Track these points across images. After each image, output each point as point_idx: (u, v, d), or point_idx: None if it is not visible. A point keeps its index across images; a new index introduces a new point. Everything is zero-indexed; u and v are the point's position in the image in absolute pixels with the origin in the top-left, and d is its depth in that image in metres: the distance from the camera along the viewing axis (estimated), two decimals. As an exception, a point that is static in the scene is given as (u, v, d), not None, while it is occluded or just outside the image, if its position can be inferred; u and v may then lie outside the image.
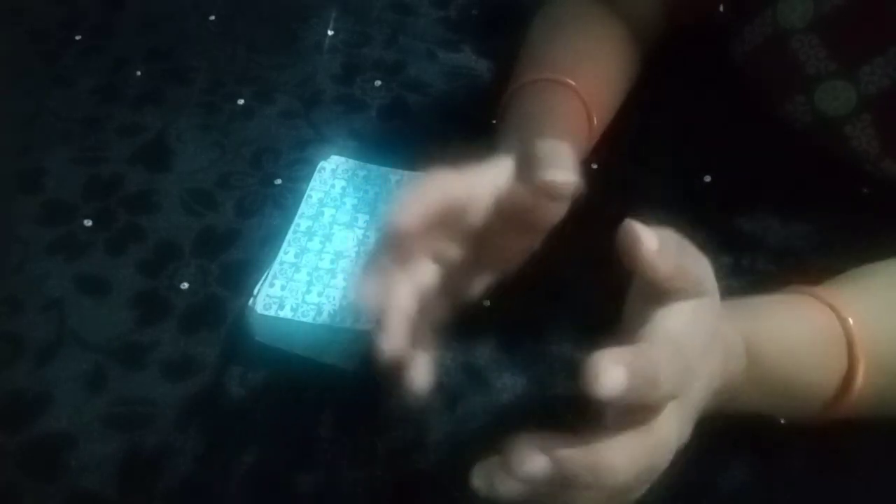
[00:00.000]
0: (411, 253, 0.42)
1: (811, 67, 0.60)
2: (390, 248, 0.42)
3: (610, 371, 0.34)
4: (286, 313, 0.51)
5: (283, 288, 0.52)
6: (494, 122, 0.63)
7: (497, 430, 0.44)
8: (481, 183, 0.44)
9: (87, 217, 0.61)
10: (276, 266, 0.54)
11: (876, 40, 0.57)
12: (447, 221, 0.43)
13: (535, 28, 0.67)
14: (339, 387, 0.52)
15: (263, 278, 0.53)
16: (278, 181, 0.63)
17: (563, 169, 0.42)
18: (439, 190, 0.43)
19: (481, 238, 0.45)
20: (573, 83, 0.60)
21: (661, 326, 0.39)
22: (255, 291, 0.52)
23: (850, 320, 0.45)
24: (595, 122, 0.61)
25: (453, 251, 0.45)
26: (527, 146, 0.45)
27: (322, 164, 0.60)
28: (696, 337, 0.39)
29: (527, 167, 0.44)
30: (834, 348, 0.46)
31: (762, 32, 0.62)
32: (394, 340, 0.40)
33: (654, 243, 0.38)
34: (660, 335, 0.38)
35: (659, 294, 0.39)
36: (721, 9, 0.68)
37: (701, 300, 0.41)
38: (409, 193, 0.42)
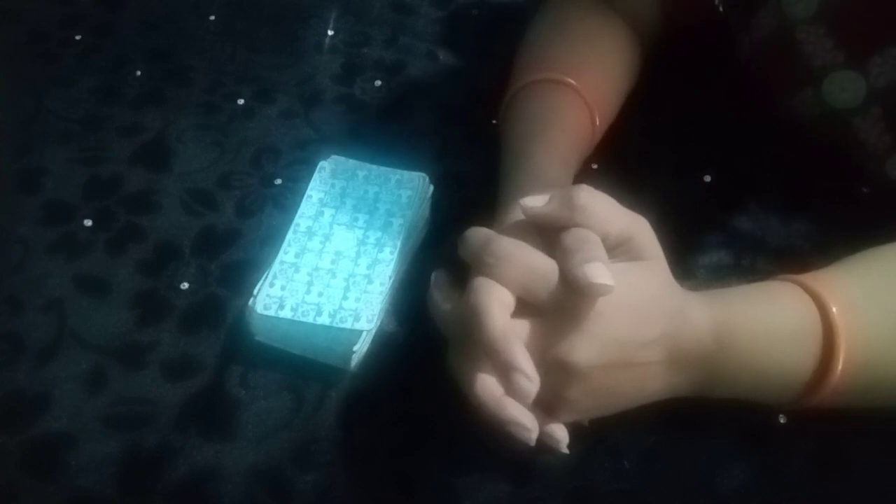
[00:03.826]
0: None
1: (818, 59, 0.59)
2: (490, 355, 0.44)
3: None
4: (286, 313, 0.51)
5: (283, 288, 0.52)
6: (494, 122, 0.63)
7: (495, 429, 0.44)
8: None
9: (87, 217, 0.61)
10: (276, 266, 0.54)
11: (885, 31, 0.56)
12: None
13: (536, 28, 0.67)
14: (339, 387, 0.52)
15: (263, 278, 0.53)
16: (278, 181, 0.63)
17: (600, 270, 0.42)
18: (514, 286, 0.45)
19: None
20: (575, 83, 0.60)
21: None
22: (255, 291, 0.52)
23: (834, 308, 0.46)
24: (598, 122, 0.61)
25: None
26: (555, 203, 0.46)
27: (322, 164, 0.60)
28: (622, 296, 0.43)
29: (559, 213, 0.45)
30: (810, 333, 0.46)
31: (767, 24, 0.62)
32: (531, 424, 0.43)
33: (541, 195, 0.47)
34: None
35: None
36: (721, 9, 0.68)
37: (635, 264, 0.45)
38: (483, 300, 0.44)
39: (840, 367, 0.45)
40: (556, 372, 0.43)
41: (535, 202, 0.46)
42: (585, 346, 0.43)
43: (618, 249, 0.45)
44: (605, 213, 0.45)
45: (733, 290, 0.49)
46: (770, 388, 0.48)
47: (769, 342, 0.47)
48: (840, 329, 0.45)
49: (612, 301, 0.43)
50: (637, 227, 0.45)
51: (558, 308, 0.43)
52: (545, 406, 0.45)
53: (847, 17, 0.57)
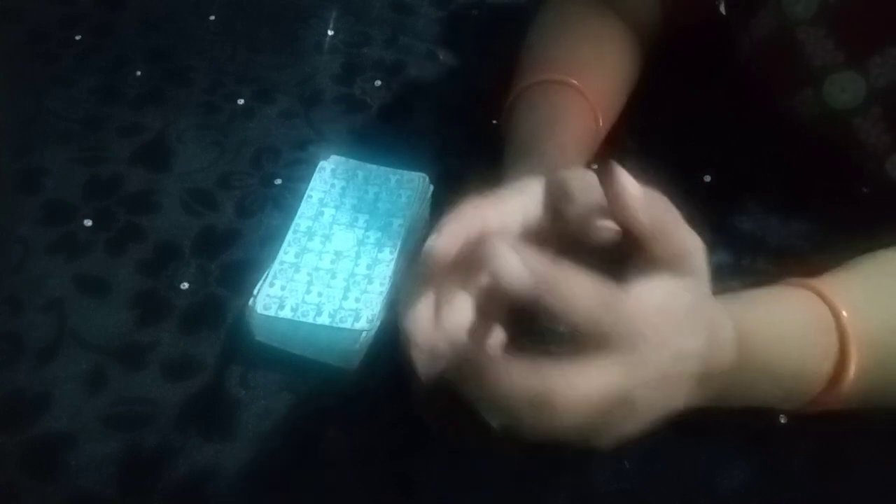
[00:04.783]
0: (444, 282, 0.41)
1: (818, 59, 0.59)
2: (425, 277, 0.41)
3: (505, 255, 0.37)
4: (286, 313, 0.51)
5: (283, 288, 0.52)
6: (495, 122, 0.63)
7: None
8: (512, 211, 0.44)
9: (87, 217, 0.61)
10: (276, 266, 0.54)
11: (885, 31, 0.56)
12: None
13: (537, 28, 0.67)
14: (339, 387, 0.52)
15: (263, 278, 0.53)
16: (278, 181, 0.63)
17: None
18: (474, 219, 0.42)
19: None
20: (578, 84, 0.60)
21: (633, 289, 0.39)
22: (255, 291, 0.52)
23: (844, 313, 0.45)
24: (601, 122, 0.61)
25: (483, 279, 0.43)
26: (556, 177, 0.44)
27: (322, 164, 0.60)
28: (670, 311, 0.40)
29: (558, 197, 0.43)
30: (824, 338, 0.46)
31: (768, 25, 0.62)
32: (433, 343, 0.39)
33: (637, 190, 0.40)
34: (630, 295, 0.39)
35: (644, 264, 0.40)
36: (721, 9, 0.68)
37: (683, 278, 0.41)
38: (444, 223, 0.41)
39: (853, 371, 0.45)
40: (615, 411, 0.39)
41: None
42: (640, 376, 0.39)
43: (672, 262, 0.42)
44: (677, 237, 0.42)
45: (743, 296, 0.48)
46: (782, 396, 0.47)
47: (785, 347, 0.46)
48: (851, 334, 0.45)
49: (660, 311, 0.39)
50: (695, 245, 0.42)
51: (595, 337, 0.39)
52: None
53: (847, 18, 0.57)
